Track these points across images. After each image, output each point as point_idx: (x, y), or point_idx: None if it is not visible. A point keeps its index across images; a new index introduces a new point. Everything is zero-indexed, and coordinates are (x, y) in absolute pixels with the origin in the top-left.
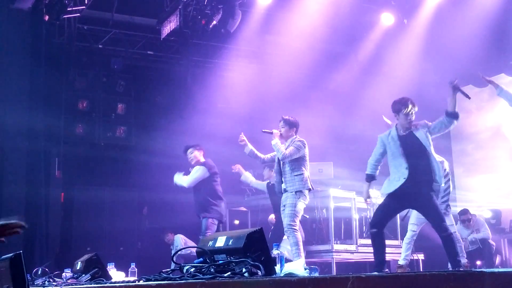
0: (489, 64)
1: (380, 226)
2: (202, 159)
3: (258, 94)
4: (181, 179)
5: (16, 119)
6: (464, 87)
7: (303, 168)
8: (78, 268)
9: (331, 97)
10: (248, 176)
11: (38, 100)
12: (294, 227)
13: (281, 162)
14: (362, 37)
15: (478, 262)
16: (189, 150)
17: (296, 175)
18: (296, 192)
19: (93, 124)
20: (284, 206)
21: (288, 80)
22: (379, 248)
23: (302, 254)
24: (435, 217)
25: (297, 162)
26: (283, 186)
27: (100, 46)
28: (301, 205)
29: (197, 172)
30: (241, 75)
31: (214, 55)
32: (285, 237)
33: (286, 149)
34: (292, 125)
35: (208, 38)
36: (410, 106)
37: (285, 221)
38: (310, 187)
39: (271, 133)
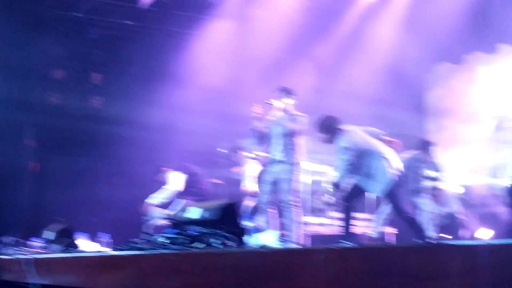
0: (466, 42)
1: (349, 200)
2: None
3: (238, 67)
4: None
5: None
6: (441, 63)
7: (299, 142)
8: (50, 237)
9: (311, 70)
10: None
11: (12, 69)
12: (297, 204)
13: (279, 134)
14: (342, 12)
15: (448, 236)
16: None
17: (291, 149)
18: (292, 165)
19: (69, 94)
20: (276, 180)
21: (268, 53)
22: (348, 221)
23: (301, 231)
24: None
25: (294, 136)
26: (277, 157)
27: (77, 14)
28: (299, 179)
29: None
30: (221, 48)
31: (194, 26)
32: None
33: (287, 122)
34: (290, 96)
35: (188, 9)
36: None
37: (286, 196)
38: (305, 160)
39: (272, 104)
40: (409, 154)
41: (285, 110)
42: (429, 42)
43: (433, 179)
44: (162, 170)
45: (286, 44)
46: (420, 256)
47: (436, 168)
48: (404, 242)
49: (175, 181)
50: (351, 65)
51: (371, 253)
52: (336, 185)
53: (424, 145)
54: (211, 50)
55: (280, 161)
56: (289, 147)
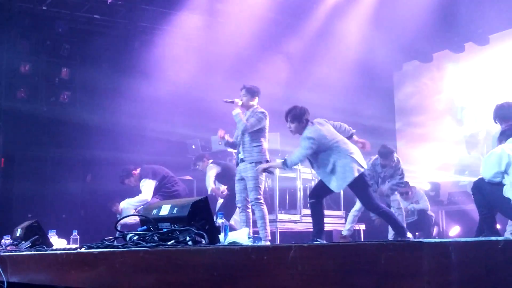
0: (435, 40)
1: (317, 197)
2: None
3: (208, 62)
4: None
5: None
6: (410, 62)
7: (262, 140)
8: (18, 234)
9: (280, 67)
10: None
11: None
12: (261, 200)
13: (241, 133)
14: (312, 8)
15: (417, 233)
16: None
17: (255, 146)
18: (255, 163)
19: (36, 88)
20: (243, 178)
21: (238, 49)
22: (317, 218)
23: (268, 228)
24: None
25: (257, 133)
26: (241, 156)
27: (44, 8)
28: (261, 177)
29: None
30: (190, 43)
31: (162, 21)
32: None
33: (247, 120)
34: (254, 94)
35: (157, 4)
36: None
37: (251, 195)
38: (268, 159)
39: (233, 102)
40: (371, 160)
41: (247, 108)
42: (398, 40)
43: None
44: (133, 175)
45: (255, 40)
46: (391, 254)
47: (396, 173)
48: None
49: (147, 189)
50: (321, 61)
51: (342, 251)
52: (284, 163)
53: (383, 153)
54: (181, 45)
55: (243, 160)
56: (252, 145)
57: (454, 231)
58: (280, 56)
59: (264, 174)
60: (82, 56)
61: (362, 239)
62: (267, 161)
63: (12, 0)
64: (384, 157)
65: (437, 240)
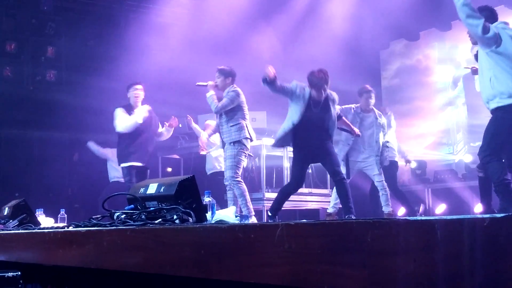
0: (422, 18)
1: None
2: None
3: (194, 40)
4: None
5: None
6: (397, 40)
7: (240, 118)
8: (5, 213)
9: (268, 45)
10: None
11: None
12: (237, 179)
13: (217, 115)
14: None
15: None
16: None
17: (232, 126)
18: (233, 143)
19: (22, 67)
20: (225, 158)
21: (224, 28)
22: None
23: (250, 204)
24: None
25: (232, 113)
26: (222, 136)
27: None
28: (240, 156)
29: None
30: (176, 21)
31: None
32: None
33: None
34: (227, 75)
35: None
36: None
37: (227, 173)
38: (248, 136)
39: (206, 85)
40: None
41: (222, 89)
42: (386, 19)
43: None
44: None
45: (242, 18)
46: (377, 232)
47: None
48: (361, 217)
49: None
50: (308, 39)
51: (329, 229)
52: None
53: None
54: (167, 22)
55: (223, 140)
56: (229, 125)
57: (440, 209)
58: (267, 34)
59: (243, 153)
60: (67, 35)
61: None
62: (246, 139)
63: None
64: (360, 96)
65: (423, 217)
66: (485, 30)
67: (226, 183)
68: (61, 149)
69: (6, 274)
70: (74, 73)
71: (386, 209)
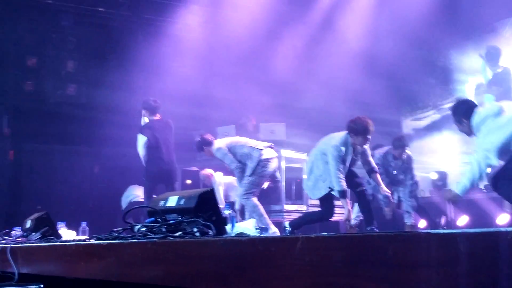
0: (439, 28)
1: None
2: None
3: (211, 53)
4: None
5: None
6: (415, 51)
7: (242, 159)
8: (28, 226)
9: (284, 58)
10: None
11: None
12: (246, 196)
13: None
14: None
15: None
16: None
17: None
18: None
19: (43, 81)
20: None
21: (241, 40)
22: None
23: (266, 217)
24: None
25: (236, 160)
26: None
27: (49, 1)
28: (257, 180)
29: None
30: (193, 34)
31: (166, 13)
32: None
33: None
34: (204, 145)
35: None
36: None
37: (239, 190)
38: (255, 164)
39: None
40: (383, 150)
41: (212, 155)
42: (403, 30)
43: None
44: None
45: (259, 30)
46: (399, 245)
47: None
48: (383, 230)
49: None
50: (325, 51)
51: (349, 242)
52: None
53: (395, 142)
54: (184, 36)
55: None
56: (245, 170)
57: (462, 221)
58: (283, 46)
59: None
60: (87, 49)
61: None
62: (257, 165)
63: None
64: (396, 148)
65: (445, 230)
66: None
67: (236, 198)
68: (82, 162)
69: (29, 287)
70: (94, 87)
71: (408, 221)
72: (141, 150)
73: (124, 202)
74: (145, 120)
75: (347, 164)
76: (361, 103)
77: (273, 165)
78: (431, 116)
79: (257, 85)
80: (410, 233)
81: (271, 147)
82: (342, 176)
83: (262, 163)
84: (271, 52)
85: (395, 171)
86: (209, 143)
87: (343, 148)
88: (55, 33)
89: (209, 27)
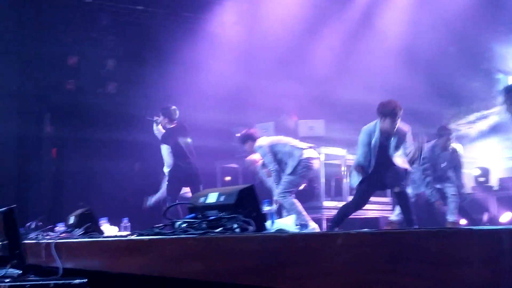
0: (482, 23)
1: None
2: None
3: (250, 49)
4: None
5: (5, 78)
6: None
7: (282, 158)
8: (71, 222)
9: (322, 54)
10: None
11: (27, 58)
12: (283, 194)
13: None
14: None
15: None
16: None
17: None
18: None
19: (83, 80)
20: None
21: (279, 36)
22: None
23: (304, 214)
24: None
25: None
26: None
27: (88, 0)
28: (296, 180)
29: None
30: (231, 31)
31: (204, 10)
32: None
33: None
34: (245, 139)
35: None
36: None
37: (277, 188)
38: (296, 163)
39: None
40: (430, 144)
41: (252, 151)
42: (444, 24)
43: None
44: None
45: (297, 27)
46: (439, 241)
47: (454, 159)
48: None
49: None
50: (365, 49)
51: (391, 239)
52: None
53: (440, 131)
54: (223, 33)
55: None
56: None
57: (506, 218)
58: (322, 43)
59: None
60: (126, 47)
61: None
62: (297, 165)
63: None
64: (441, 136)
65: (487, 227)
66: None
67: (274, 198)
68: (122, 159)
69: (73, 281)
70: (133, 85)
71: (450, 218)
72: (167, 159)
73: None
74: (159, 128)
75: (374, 148)
76: (400, 99)
77: (314, 166)
78: (473, 110)
79: (296, 82)
80: (452, 229)
81: (313, 148)
82: (363, 156)
83: (303, 163)
84: (309, 48)
85: (444, 164)
86: (253, 139)
87: (367, 131)
88: (94, 32)
89: (247, 23)
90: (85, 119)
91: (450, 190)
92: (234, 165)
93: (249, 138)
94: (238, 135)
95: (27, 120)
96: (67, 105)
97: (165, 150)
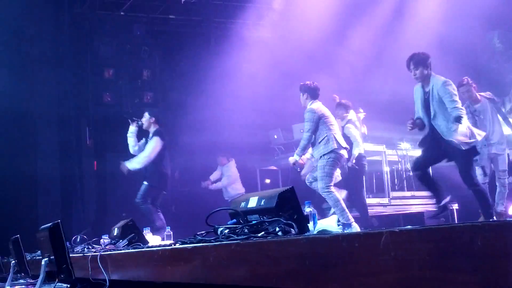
0: None
1: (422, 167)
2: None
3: (283, 52)
4: (136, 160)
5: (45, 91)
6: (493, 32)
7: (325, 132)
8: (115, 234)
9: (356, 51)
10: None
11: (65, 72)
12: (327, 190)
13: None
14: None
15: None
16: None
17: (320, 142)
18: (322, 156)
19: (120, 92)
20: (317, 170)
21: (313, 37)
22: (432, 187)
23: (347, 212)
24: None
25: (318, 129)
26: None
27: (122, 13)
28: (330, 166)
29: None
30: (264, 34)
31: (236, 15)
32: None
33: (305, 128)
34: (302, 90)
35: None
36: None
37: (318, 184)
38: (336, 147)
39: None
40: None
41: (303, 105)
42: (479, 10)
43: None
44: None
45: (329, 27)
46: (487, 235)
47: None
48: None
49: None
50: (398, 39)
51: (435, 234)
52: None
53: None
54: (255, 37)
55: (314, 152)
56: (318, 141)
57: None
58: (354, 41)
59: (335, 164)
60: (161, 57)
61: (455, 220)
62: (334, 150)
63: (92, 8)
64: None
65: None
66: None
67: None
68: None
69: None
70: (170, 94)
71: (498, 208)
72: (154, 154)
73: None
74: (150, 127)
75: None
76: None
77: (343, 153)
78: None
79: (332, 81)
80: (497, 222)
81: (346, 150)
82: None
83: (333, 153)
84: (343, 45)
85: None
86: (314, 96)
87: None
88: (129, 43)
89: (278, 24)
90: (123, 130)
91: (501, 174)
92: (273, 168)
93: (311, 93)
94: (308, 83)
95: (68, 133)
96: (105, 117)
97: (157, 144)
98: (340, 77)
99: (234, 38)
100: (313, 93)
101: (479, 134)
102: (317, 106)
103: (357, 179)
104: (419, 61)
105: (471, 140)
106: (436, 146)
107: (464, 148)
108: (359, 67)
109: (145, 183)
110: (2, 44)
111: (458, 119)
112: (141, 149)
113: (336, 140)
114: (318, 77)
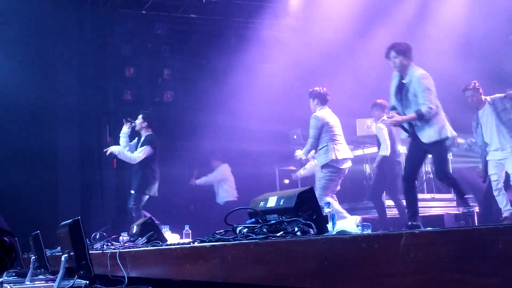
0: None
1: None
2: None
3: (302, 51)
4: (122, 155)
5: (66, 89)
6: None
7: (326, 141)
8: (134, 231)
9: (378, 53)
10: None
11: (86, 70)
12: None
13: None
14: None
15: None
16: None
17: (320, 149)
18: (321, 167)
19: (141, 90)
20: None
21: (333, 36)
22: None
23: (346, 215)
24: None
25: (321, 136)
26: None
27: (143, 12)
28: (328, 179)
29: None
30: (284, 34)
31: (256, 14)
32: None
33: (309, 135)
34: (312, 96)
35: None
36: None
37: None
38: (333, 157)
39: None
40: None
41: (313, 111)
42: (501, 13)
43: None
44: None
45: (352, 26)
46: (508, 238)
47: None
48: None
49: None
50: (420, 42)
51: (456, 236)
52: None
53: None
54: (275, 36)
55: (316, 158)
56: (318, 149)
57: None
58: (377, 38)
59: (333, 176)
60: (181, 56)
61: (476, 223)
62: (333, 161)
63: (113, 7)
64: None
65: None
66: None
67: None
68: (181, 167)
69: None
70: (190, 93)
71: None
72: (139, 160)
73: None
74: (142, 131)
75: None
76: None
77: (344, 166)
78: None
79: (351, 82)
80: None
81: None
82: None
83: (332, 167)
84: (365, 44)
85: None
86: (324, 102)
87: None
88: (150, 42)
89: (298, 24)
90: None
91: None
92: (292, 168)
93: (320, 98)
94: (317, 89)
95: (88, 131)
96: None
97: (147, 152)
98: (361, 78)
99: (255, 38)
100: (323, 99)
101: (451, 132)
102: (322, 113)
103: (377, 181)
104: (400, 51)
105: (441, 138)
106: (416, 145)
107: (431, 143)
108: (381, 68)
109: (133, 192)
110: (24, 43)
111: (419, 115)
112: (132, 150)
113: (335, 150)
114: (338, 79)
